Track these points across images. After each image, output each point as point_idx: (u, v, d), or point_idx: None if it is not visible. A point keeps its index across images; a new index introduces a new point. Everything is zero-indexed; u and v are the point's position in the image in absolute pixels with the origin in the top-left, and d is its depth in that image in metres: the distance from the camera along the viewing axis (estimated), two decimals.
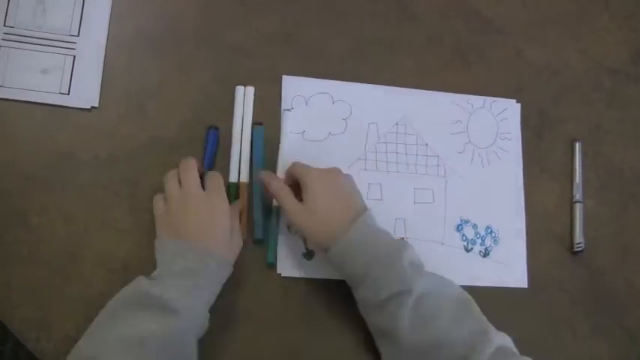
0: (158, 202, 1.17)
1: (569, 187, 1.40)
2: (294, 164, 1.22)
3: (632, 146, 1.46)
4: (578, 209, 1.38)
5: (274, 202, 1.24)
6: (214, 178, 1.17)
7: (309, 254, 1.25)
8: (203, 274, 1.08)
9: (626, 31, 1.53)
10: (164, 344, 1.01)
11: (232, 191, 1.24)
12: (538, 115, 1.43)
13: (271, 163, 1.28)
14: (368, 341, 1.19)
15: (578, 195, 1.39)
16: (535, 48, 1.47)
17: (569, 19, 1.51)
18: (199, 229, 1.11)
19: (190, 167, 1.16)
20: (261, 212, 1.23)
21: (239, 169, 1.26)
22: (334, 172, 1.19)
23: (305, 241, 1.26)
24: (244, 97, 1.30)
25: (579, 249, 1.35)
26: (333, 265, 1.15)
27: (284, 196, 1.17)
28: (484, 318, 1.10)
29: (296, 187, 1.19)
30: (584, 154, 1.41)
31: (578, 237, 1.36)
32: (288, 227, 1.25)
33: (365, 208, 1.16)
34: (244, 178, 1.26)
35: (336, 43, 1.38)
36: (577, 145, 1.42)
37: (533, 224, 1.36)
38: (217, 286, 1.12)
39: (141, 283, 1.06)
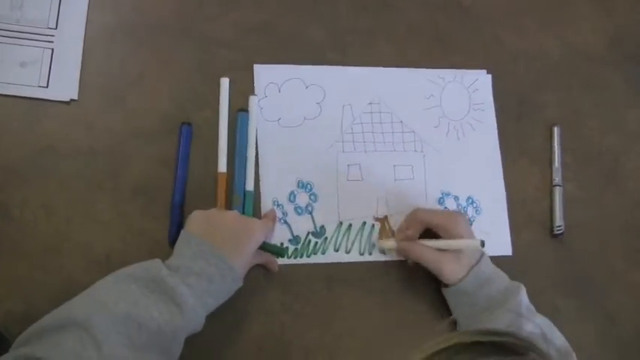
0: (199, 211, 1.13)
1: (548, 171, 1.36)
2: (418, 211, 1.21)
3: (610, 130, 1.42)
4: (558, 193, 1.34)
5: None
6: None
7: (295, 239, 1.23)
8: (218, 282, 1.05)
9: (603, 17, 1.49)
10: (158, 333, 0.97)
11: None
12: (517, 101, 1.39)
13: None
14: (355, 327, 1.18)
15: (557, 179, 1.35)
16: (513, 34, 1.43)
17: (547, 5, 1.47)
18: (229, 240, 1.08)
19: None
20: (242, 202, 1.20)
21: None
22: (459, 213, 1.23)
23: (290, 226, 1.23)
24: (220, 88, 1.25)
25: (559, 232, 1.32)
26: (455, 298, 1.18)
27: (426, 253, 1.18)
28: None
29: (419, 228, 1.20)
30: (562, 138, 1.38)
31: (558, 220, 1.32)
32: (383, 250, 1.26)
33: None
34: (222, 168, 1.21)
35: (314, 32, 1.33)
36: (556, 130, 1.38)
37: (514, 208, 1.33)
38: (224, 298, 1.09)
39: (159, 267, 1.02)
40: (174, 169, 1.20)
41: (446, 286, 1.18)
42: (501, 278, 1.17)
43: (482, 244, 1.13)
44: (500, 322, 1.11)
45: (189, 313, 1.00)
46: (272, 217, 1.19)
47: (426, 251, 1.17)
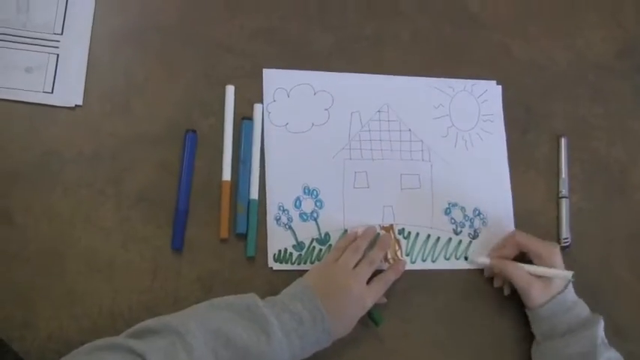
0: (334, 252, 1.15)
1: (555, 182, 1.33)
2: (518, 234, 1.22)
3: (617, 141, 1.39)
4: (565, 204, 1.31)
5: (471, 258, 1.25)
6: (372, 266, 1.15)
7: (299, 245, 1.20)
8: (308, 326, 1.03)
9: (611, 26, 1.46)
10: (244, 351, 0.97)
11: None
12: (524, 111, 1.36)
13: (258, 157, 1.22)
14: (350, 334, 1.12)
15: (564, 190, 1.32)
16: (521, 43, 1.40)
17: (555, 14, 1.44)
18: (337, 304, 1.07)
19: (362, 242, 1.17)
20: (246, 210, 1.18)
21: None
22: (555, 244, 1.21)
23: (294, 232, 1.20)
24: (226, 95, 1.23)
25: (566, 244, 1.29)
26: (536, 321, 1.19)
27: (520, 273, 1.19)
28: None
29: (514, 250, 1.22)
30: (569, 149, 1.34)
31: (565, 232, 1.29)
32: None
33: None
34: (226, 177, 1.19)
35: (320, 38, 1.31)
36: (563, 141, 1.35)
37: (521, 220, 1.29)
38: (312, 347, 1.06)
39: (255, 298, 1.03)
40: (179, 175, 1.17)
41: (528, 307, 1.20)
42: (582, 308, 1.17)
43: (574, 276, 1.15)
44: (575, 348, 1.13)
45: (275, 343, 0.99)
46: (385, 282, 1.16)
47: (520, 272, 1.18)
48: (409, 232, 1.24)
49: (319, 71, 1.28)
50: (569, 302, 1.16)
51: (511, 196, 1.30)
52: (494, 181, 1.30)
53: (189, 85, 1.23)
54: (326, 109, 1.27)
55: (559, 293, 1.16)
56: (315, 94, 1.27)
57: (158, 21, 1.26)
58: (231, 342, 0.96)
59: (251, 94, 1.24)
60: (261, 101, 1.24)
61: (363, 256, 1.14)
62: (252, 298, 1.03)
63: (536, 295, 1.17)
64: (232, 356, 0.96)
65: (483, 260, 1.23)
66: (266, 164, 1.21)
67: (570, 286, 1.17)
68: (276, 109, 1.24)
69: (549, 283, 1.17)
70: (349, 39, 1.32)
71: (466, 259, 1.25)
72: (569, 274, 1.15)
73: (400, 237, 1.23)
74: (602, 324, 1.14)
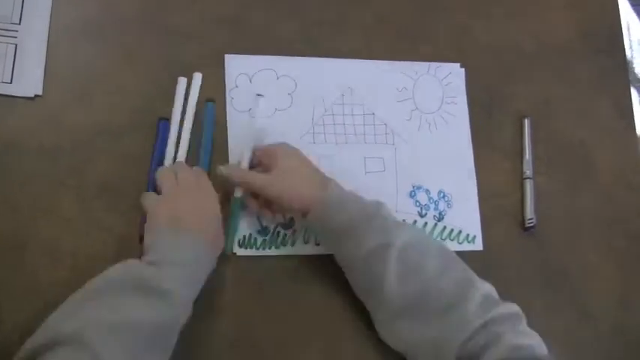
0: (149, 196, 1.08)
1: (519, 163, 1.31)
2: (255, 149, 1.15)
3: (581, 122, 1.37)
4: (529, 185, 1.29)
5: (236, 194, 1.14)
6: (202, 176, 1.11)
7: (264, 230, 1.17)
8: (197, 265, 1.01)
9: (573, 9, 1.44)
10: (157, 331, 0.93)
11: None
12: (487, 93, 1.33)
13: (221, 143, 1.19)
14: (320, 320, 1.13)
15: (528, 172, 1.30)
16: (483, 26, 1.37)
17: None
18: (196, 221, 1.03)
19: (185, 165, 1.12)
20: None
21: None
22: (290, 145, 1.15)
23: (259, 217, 1.17)
24: (188, 85, 1.20)
25: (530, 224, 1.26)
26: (313, 227, 1.13)
27: (251, 176, 1.12)
28: (468, 268, 1.07)
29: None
30: (533, 130, 1.32)
31: (529, 213, 1.27)
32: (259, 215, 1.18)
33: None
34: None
35: (282, 24, 1.28)
36: (526, 122, 1.32)
37: (485, 202, 1.27)
38: (204, 279, 1.04)
39: (136, 268, 0.97)
40: (148, 163, 1.14)
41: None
42: (355, 202, 1.09)
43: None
44: (368, 243, 1.05)
45: (181, 302, 0.96)
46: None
47: (250, 174, 1.12)
48: None
49: (282, 56, 1.25)
50: (336, 198, 1.08)
51: (475, 178, 1.28)
52: (459, 164, 1.28)
53: (151, 74, 1.19)
54: (289, 94, 1.24)
55: (320, 196, 1.08)
56: (277, 79, 1.24)
57: (118, 10, 1.22)
58: (139, 325, 0.91)
59: (214, 81, 1.21)
60: (223, 87, 1.21)
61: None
62: (134, 271, 0.96)
63: (281, 191, 1.09)
64: (144, 337, 0.91)
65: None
66: (229, 150, 1.18)
67: (334, 184, 1.10)
68: (239, 94, 1.22)
69: (287, 174, 1.10)
70: (311, 24, 1.29)
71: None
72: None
73: None
74: (384, 207, 1.09)
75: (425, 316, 1.02)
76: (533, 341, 1.00)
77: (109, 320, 0.89)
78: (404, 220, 1.19)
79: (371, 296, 1.09)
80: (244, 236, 1.15)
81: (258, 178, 1.10)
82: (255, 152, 1.15)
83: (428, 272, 1.03)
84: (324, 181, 1.11)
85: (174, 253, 0.99)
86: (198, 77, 1.19)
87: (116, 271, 0.97)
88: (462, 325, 0.99)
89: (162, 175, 1.09)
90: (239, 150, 1.17)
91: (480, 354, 0.97)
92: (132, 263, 0.98)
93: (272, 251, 1.16)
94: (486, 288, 1.04)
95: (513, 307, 1.03)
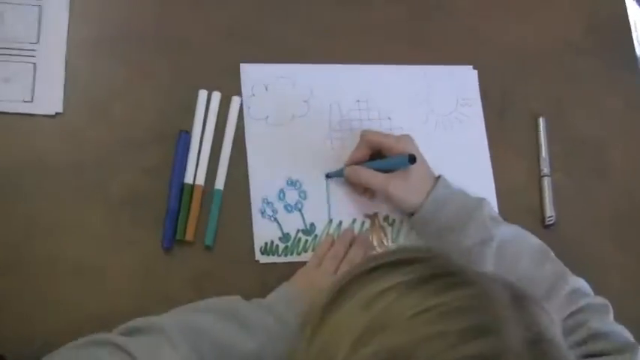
0: (314, 259, 1.12)
1: (535, 161, 1.31)
2: (366, 132, 1.17)
3: (594, 118, 1.37)
4: (547, 183, 1.29)
5: (217, 186, 1.16)
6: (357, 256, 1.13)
7: (285, 237, 1.17)
8: (292, 333, 0.97)
9: (579, 5, 1.44)
10: (226, 354, 0.96)
11: (187, 192, 1.15)
12: (500, 94, 1.33)
13: (239, 156, 1.18)
14: None
15: (545, 169, 1.30)
16: (491, 27, 1.37)
17: None
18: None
19: (339, 247, 1.14)
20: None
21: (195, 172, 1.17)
22: (408, 135, 1.16)
23: (280, 224, 1.17)
24: (208, 101, 1.20)
25: (550, 222, 1.26)
26: (420, 224, 1.15)
27: (373, 176, 1.14)
28: (561, 263, 1.11)
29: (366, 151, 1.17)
30: (548, 128, 1.32)
31: (549, 210, 1.27)
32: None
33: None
34: (200, 181, 1.16)
35: (294, 32, 1.27)
36: (541, 121, 1.32)
37: (503, 201, 1.27)
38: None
39: (238, 301, 1.02)
40: (169, 176, 1.14)
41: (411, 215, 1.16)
42: (459, 198, 1.14)
43: (412, 158, 1.10)
44: (469, 239, 1.09)
45: (258, 345, 0.97)
46: (349, 262, 1.13)
47: (372, 174, 1.14)
48: (394, 220, 1.21)
49: (296, 63, 1.26)
50: (445, 196, 1.13)
51: (492, 178, 1.28)
52: (476, 164, 1.28)
53: (168, 87, 1.20)
54: (305, 101, 1.24)
55: (431, 190, 1.13)
56: (293, 86, 1.24)
57: (133, 26, 1.22)
58: (215, 341, 0.94)
59: (230, 92, 1.21)
60: (239, 96, 1.21)
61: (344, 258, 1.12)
62: (236, 300, 1.02)
63: (399, 195, 1.13)
64: (216, 356, 0.94)
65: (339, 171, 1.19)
66: (248, 158, 1.18)
67: (443, 180, 1.14)
68: (256, 103, 1.22)
69: (408, 177, 1.13)
70: (323, 31, 1.29)
71: (328, 176, 1.21)
72: (405, 156, 1.10)
73: (385, 224, 1.20)
74: (486, 204, 1.13)
75: None
76: (617, 329, 1.04)
77: (196, 326, 0.94)
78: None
79: None
80: (266, 243, 1.15)
81: (377, 180, 1.14)
82: (364, 136, 1.17)
83: (522, 266, 1.08)
84: (433, 180, 1.14)
85: (281, 309, 1.01)
86: (217, 96, 1.19)
87: (221, 299, 1.02)
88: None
89: (334, 252, 1.12)
90: (257, 156, 1.18)
91: (565, 338, 0.99)
92: (239, 299, 1.02)
93: (294, 257, 1.16)
94: (578, 282, 1.08)
95: (602, 300, 1.07)
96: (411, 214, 1.15)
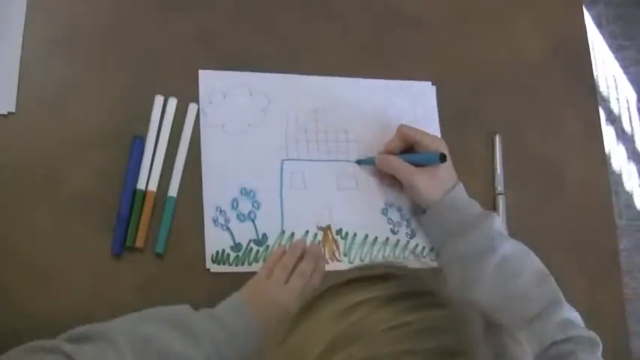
0: (264, 271, 1.10)
1: (490, 179, 1.31)
2: (404, 126, 1.21)
3: (551, 137, 1.38)
4: (501, 201, 1.29)
5: (170, 193, 1.14)
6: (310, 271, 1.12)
7: (237, 247, 1.16)
8: (239, 342, 1.01)
9: (542, 27, 1.44)
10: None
11: (139, 198, 1.13)
12: (458, 110, 1.33)
13: (193, 163, 1.17)
14: None
15: (499, 187, 1.30)
16: (454, 43, 1.37)
17: (487, 14, 1.42)
18: (268, 317, 1.02)
19: (290, 258, 1.11)
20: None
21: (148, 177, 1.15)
22: (443, 141, 1.20)
23: (232, 233, 1.16)
24: (164, 107, 1.18)
25: None
26: (426, 224, 1.20)
27: (402, 166, 1.18)
28: (560, 291, 1.12)
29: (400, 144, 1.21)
30: (505, 146, 1.33)
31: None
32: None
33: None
34: (153, 187, 1.14)
35: (254, 41, 1.27)
36: (497, 138, 1.32)
37: None
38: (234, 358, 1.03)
39: (187, 310, 1.02)
40: (122, 181, 1.12)
41: (423, 212, 1.20)
42: (473, 206, 1.18)
43: (442, 157, 1.15)
44: (472, 245, 1.13)
45: (204, 354, 0.97)
46: (300, 273, 1.11)
47: (402, 165, 1.18)
48: (347, 233, 1.21)
49: (255, 72, 1.24)
50: (460, 201, 1.17)
51: None
52: None
53: (125, 90, 1.18)
54: (262, 110, 1.23)
55: (449, 191, 1.17)
56: (251, 94, 1.23)
57: (91, 26, 1.20)
58: (162, 350, 0.94)
59: (187, 99, 1.20)
60: (196, 103, 1.20)
61: (294, 269, 1.11)
62: (184, 309, 1.01)
63: (422, 187, 1.16)
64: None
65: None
66: (202, 166, 1.17)
67: (461, 186, 1.18)
68: (213, 110, 1.20)
69: (435, 175, 1.17)
70: (284, 40, 1.28)
71: (358, 162, 1.24)
72: (437, 154, 1.15)
73: (338, 237, 1.20)
74: (496, 219, 1.16)
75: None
76: None
77: (143, 334, 0.94)
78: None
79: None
80: (217, 252, 1.14)
81: (407, 171, 1.17)
82: (402, 130, 1.20)
83: (521, 282, 1.10)
84: (454, 183, 1.18)
85: (229, 319, 1.01)
86: (173, 102, 1.18)
87: (170, 308, 1.02)
88: (541, 337, 1.05)
89: (271, 256, 1.12)
90: (212, 164, 1.17)
91: None
92: (187, 308, 1.02)
93: (245, 267, 1.15)
94: (572, 313, 1.09)
95: (593, 334, 1.08)
96: (423, 212, 1.20)
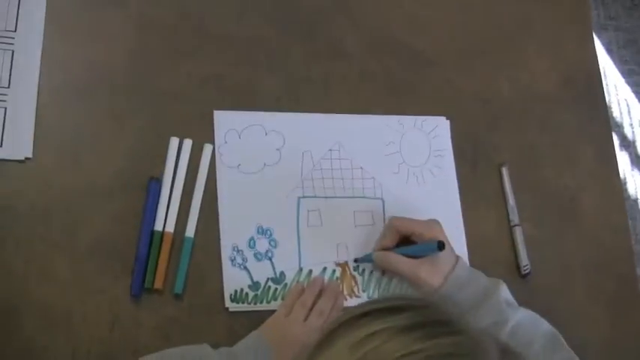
0: (282, 309, 1.11)
1: (505, 211, 1.30)
2: (395, 219, 1.18)
3: (564, 168, 1.37)
4: (518, 232, 1.28)
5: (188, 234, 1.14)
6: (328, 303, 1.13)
7: (255, 285, 1.16)
8: None
9: (553, 58, 1.44)
10: None
11: (157, 239, 1.13)
12: (472, 143, 1.33)
13: (210, 203, 1.17)
14: None
15: (514, 219, 1.29)
16: (465, 77, 1.37)
17: (497, 48, 1.42)
18: (287, 357, 1.04)
19: (309, 296, 1.13)
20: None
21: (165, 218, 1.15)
22: (435, 220, 1.18)
23: (250, 272, 1.16)
24: (179, 149, 1.19)
25: (526, 271, 1.25)
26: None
27: (402, 262, 1.16)
28: (572, 351, 1.11)
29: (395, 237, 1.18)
30: (517, 178, 1.32)
31: (524, 260, 1.26)
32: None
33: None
34: (170, 228, 1.15)
35: (268, 82, 1.27)
36: (504, 170, 1.31)
37: (475, 252, 1.26)
38: None
39: (206, 349, 1.03)
40: (139, 223, 1.13)
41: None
42: (478, 280, 1.15)
43: (440, 245, 1.10)
44: (484, 320, 1.09)
45: None
46: (319, 312, 1.12)
47: (402, 260, 1.15)
48: (364, 269, 1.20)
49: (270, 112, 1.25)
50: (463, 279, 1.14)
51: (463, 229, 1.27)
52: (447, 215, 1.25)
53: (140, 134, 1.19)
54: (277, 149, 1.23)
55: (450, 273, 1.14)
56: (266, 134, 1.24)
57: (105, 72, 1.21)
58: None
59: (202, 139, 1.20)
60: (211, 144, 1.20)
61: (313, 306, 1.11)
62: (204, 348, 1.01)
63: (426, 278, 1.13)
64: None
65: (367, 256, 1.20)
66: (219, 205, 1.17)
67: (461, 261, 1.16)
68: (228, 150, 1.21)
69: (436, 263, 1.14)
70: (297, 81, 1.29)
71: (356, 261, 1.21)
72: (434, 243, 1.11)
73: (356, 273, 1.20)
74: (503, 288, 1.13)
75: None
76: None
77: None
78: None
79: None
80: (235, 291, 1.14)
81: (407, 266, 1.15)
82: (394, 224, 1.18)
83: (534, 351, 1.08)
84: (454, 262, 1.15)
85: (250, 359, 1.02)
86: (188, 143, 1.19)
87: (189, 347, 1.03)
88: None
89: (303, 301, 1.12)
90: (228, 203, 1.18)
91: None
92: (206, 347, 1.03)
93: (263, 306, 1.14)
94: None
95: None
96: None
